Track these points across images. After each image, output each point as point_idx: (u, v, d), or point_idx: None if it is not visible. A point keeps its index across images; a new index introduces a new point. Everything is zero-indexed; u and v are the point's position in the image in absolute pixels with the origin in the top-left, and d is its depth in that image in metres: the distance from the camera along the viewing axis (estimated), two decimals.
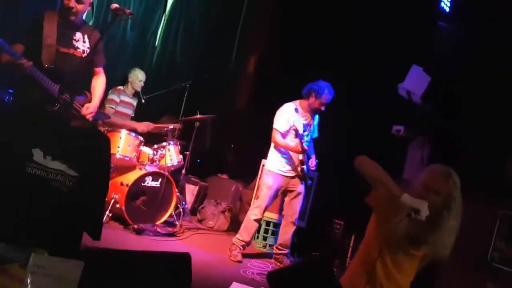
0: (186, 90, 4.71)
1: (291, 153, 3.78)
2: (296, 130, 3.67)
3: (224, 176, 5.63)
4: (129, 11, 2.66)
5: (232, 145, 6.27)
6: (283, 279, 2.82)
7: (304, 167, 3.76)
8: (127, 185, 3.80)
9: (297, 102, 3.88)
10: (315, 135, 4.03)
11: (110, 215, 3.79)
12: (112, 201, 3.76)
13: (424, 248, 2.03)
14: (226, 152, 6.21)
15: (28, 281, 1.59)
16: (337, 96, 3.86)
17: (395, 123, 4.17)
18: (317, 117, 3.99)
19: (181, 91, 4.72)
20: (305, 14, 5.57)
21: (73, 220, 1.90)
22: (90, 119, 2.94)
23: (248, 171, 5.20)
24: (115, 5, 2.65)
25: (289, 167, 3.80)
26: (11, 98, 3.02)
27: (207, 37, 6.03)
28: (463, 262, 2.96)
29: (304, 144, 3.69)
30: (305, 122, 3.83)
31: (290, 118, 3.74)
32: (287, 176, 3.81)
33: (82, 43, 2.95)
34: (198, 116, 4.59)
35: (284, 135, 3.74)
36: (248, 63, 6.30)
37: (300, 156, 3.77)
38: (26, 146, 1.86)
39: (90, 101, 3.01)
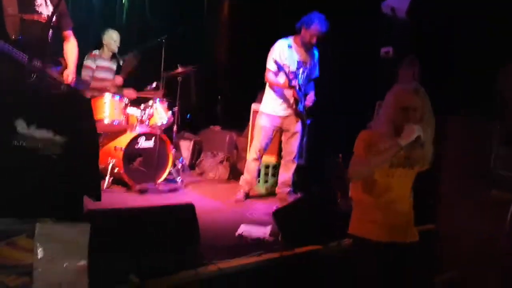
0: (163, 45, 4.56)
1: (284, 91, 3.71)
2: (283, 66, 3.56)
3: (217, 128, 5.61)
4: None
5: (219, 96, 6.20)
6: (288, 215, 2.90)
7: (300, 105, 3.72)
8: (121, 148, 3.78)
9: (292, 38, 3.73)
10: (315, 74, 3.91)
11: (111, 179, 3.80)
12: (110, 165, 3.75)
13: (414, 164, 2.06)
14: (215, 103, 6.15)
15: (38, 250, 1.61)
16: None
17: (383, 45, 4.09)
18: (316, 54, 3.86)
19: (157, 47, 4.57)
20: None
21: (70, 185, 1.89)
22: (72, 84, 2.87)
23: (239, 119, 5.18)
24: None
25: (283, 106, 3.76)
26: None
27: None
28: (466, 174, 3.04)
29: (294, 81, 3.61)
30: (299, 58, 3.71)
31: (282, 56, 3.63)
32: (281, 116, 3.79)
33: (45, 7, 2.80)
34: (180, 70, 4.47)
35: (276, 73, 3.65)
36: (222, 9, 6.07)
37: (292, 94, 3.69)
38: (7, 120, 1.81)
39: (66, 68, 2.92)
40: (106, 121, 3.81)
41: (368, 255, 2.02)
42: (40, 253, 1.61)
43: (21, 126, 1.80)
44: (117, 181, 3.89)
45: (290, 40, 3.71)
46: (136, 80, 4.70)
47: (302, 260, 2.54)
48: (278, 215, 2.92)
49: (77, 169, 1.91)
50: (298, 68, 3.70)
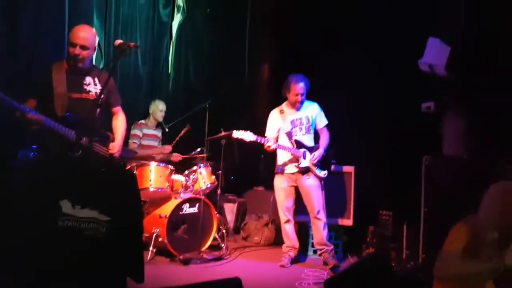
0: (207, 110, 4.69)
1: (284, 152, 3.88)
2: (260, 138, 3.75)
3: (260, 188, 5.53)
4: (133, 44, 2.65)
5: (262, 156, 6.17)
6: (342, 285, 2.68)
7: (301, 161, 3.79)
8: (165, 216, 3.77)
9: (284, 104, 4.01)
10: (323, 123, 4.02)
11: (155, 250, 3.75)
12: (154, 235, 3.73)
13: None
14: (258, 164, 6.11)
15: None
16: (359, 86, 3.74)
17: (423, 100, 3.99)
18: (315, 106, 4.01)
19: (201, 113, 4.70)
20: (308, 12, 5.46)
21: (114, 266, 1.85)
22: (117, 155, 2.94)
23: None
24: (118, 41, 2.65)
25: (290, 165, 3.86)
26: (36, 154, 3.06)
27: (217, 55, 6.01)
28: None
29: (292, 140, 3.84)
30: (292, 119, 3.92)
31: (275, 123, 3.95)
32: (291, 173, 3.86)
33: (93, 86, 2.96)
34: (223, 133, 4.52)
35: (258, 139, 3.78)
36: (262, 72, 6.25)
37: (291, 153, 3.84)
38: (53, 200, 1.83)
39: (113, 141, 3.01)
40: (152, 189, 3.85)
41: None
42: None
43: (66, 206, 1.82)
44: (161, 251, 3.84)
45: (282, 106, 4.01)
46: (181, 144, 4.80)
47: None
48: (330, 285, 2.71)
49: (121, 249, 1.88)
50: (293, 128, 3.90)
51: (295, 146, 3.83)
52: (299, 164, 3.80)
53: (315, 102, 4.04)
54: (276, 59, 6.06)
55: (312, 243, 4.25)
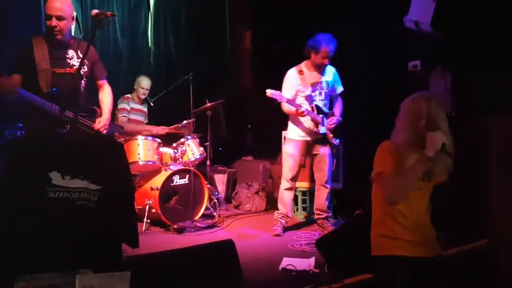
0: (190, 82, 4.66)
1: (299, 117, 3.69)
2: (283, 97, 3.56)
3: (249, 158, 5.58)
4: (110, 13, 2.57)
5: (249, 126, 6.19)
6: (333, 244, 2.76)
7: (321, 128, 3.65)
8: (157, 188, 3.79)
9: (302, 64, 3.76)
10: (339, 90, 3.87)
11: (149, 221, 3.80)
12: (147, 207, 3.77)
13: (432, 177, 1.98)
14: (245, 134, 6.14)
15: None
16: (343, 46, 3.70)
17: (410, 59, 3.98)
18: (333, 71, 3.83)
19: (185, 84, 4.66)
20: None
21: (108, 233, 1.88)
22: (105, 132, 2.92)
23: (271, 147, 5.13)
24: (95, 11, 2.58)
25: (306, 131, 3.72)
26: (23, 132, 3.02)
27: (197, 25, 5.89)
28: None
29: (312, 104, 3.63)
30: (312, 81, 3.70)
31: (294, 83, 3.67)
32: (307, 140, 3.73)
33: (76, 60, 2.89)
34: (208, 104, 4.51)
35: (291, 101, 3.62)
36: (243, 40, 6.16)
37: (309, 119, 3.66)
38: (42, 172, 1.83)
39: (101, 116, 2.99)
40: (141, 163, 3.86)
41: (406, 272, 1.93)
42: None
43: (55, 177, 1.82)
44: (155, 222, 3.88)
45: (301, 66, 3.74)
46: (167, 118, 4.78)
47: None
48: (321, 244, 2.79)
49: (114, 216, 1.90)
50: (313, 91, 3.69)
51: (315, 111, 3.66)
52: (318, 131, 3.65)
53: (333, 67, 3.82)
54: (257, 27, 5.99)
55: (296, 208, 4.35)
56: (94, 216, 1.87)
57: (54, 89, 2.71)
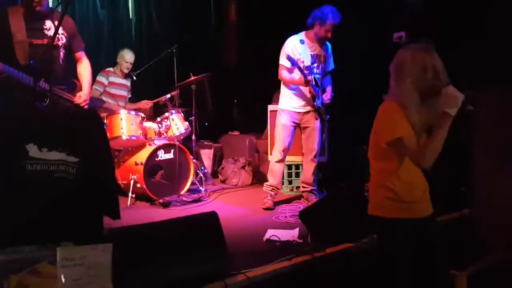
0: (174, 55, 4.57)
1: (301, 88, 3.62)
2: (297, 61, 3.47)
3: (235, 133, 5.57)
4: None
5: (235, 100, 6.15)
6: (316, 215, 2.80)
7: (317, 101, 3.60)
8: (141, 163, 3.77)
9: (303, 33, 3.65)
10: (331, 67, 3.82)
11: (134, 196, 3.79)
12: (132, 182, 3.75)
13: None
14: (231, 109, 6.10)
15: (61, 275, 1.58)
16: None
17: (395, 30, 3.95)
18: (329, 47, 3.76)
19: (169, 58, 4.57)
20: None
21: (88, 206, 1.86)
22: (86, 107, 2.86)
23: (257, 122, 5.11)
24: None
25: (301, 103, 3.66)
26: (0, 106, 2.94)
27: None
28: (502, 151, 2.86)
29: (310, 76, 3.52)
30: (313, 53, 3.62)
31: (295, 51, 3.56)
32: (300, 112, 3.69)
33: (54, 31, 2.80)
34: (192, 78, 4.45)
35: (291, 70, 3.56)
36: (229, 13, 6.03)
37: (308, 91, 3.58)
38: (18, 144, 1.79)
39: (80, 89, 2.92)
40: (124, 137, 3.81)
41: (408, 234, 1.89)
42: (63, 278, 1.58)
43: (32, 149, 1.79)
44: (141, 197, 3.88)
45: (302, 36, 3.63)
46: (151, 92, 4.71)
47: (335, 260, 2.44)
48: (304, 215, 2.83)
49: (93, 189, 1.88)
50: (312, 63, 3.61)
51: (314, 83, 3.55)
52: (315, 103, 3.57)
53: (330, 39, 3.69)
54: None
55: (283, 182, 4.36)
56: (73, 189, 1.85)
57: (32, 61, 2.63)
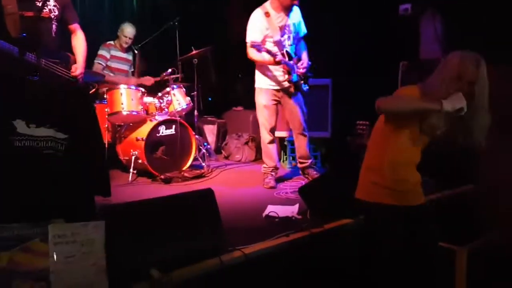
0: (177, 28, 4.45)
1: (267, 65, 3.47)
2: (261, 47, 3.31)
3: (239, 108, 5.50)
4: None
5: (239, 75, 6.04)
6: (315, 191, 2.77)
7: (293, 75, 3.44)
8: (142, 139, 3.75)
9: (267, 3, 3.45)
10: (303, 32, 3.62)
11: (135, 172, 3.79)
12: (133, 158, 3.74)
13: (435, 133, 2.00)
14: (235, 84, 6.01)
15: (53, 253, 1.57)
16: None
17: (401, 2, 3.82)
18: (298, 11, 3.54)
19: (171, 30, 4.45)
20: None
21: (78, 183, 1.84)
22: (81, 80, 2.82)
23: None
24: None
25: (276, 80, 3.52)
26: None
27: None
28: (505, 127, 2.79)
29: (282, 51, 3.37)
30: (280, 24, 3.43)
31: (261, 28, 3.38)
32: (277, 89, 3.55)
33: (46, 2, 2.73)
34: (194, 52, 4.36)
35: (260, 48, 3.34)
36: None
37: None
38: (5, 120, 1.76)
39: (75, 62, 2.88)
40: (124, 113, 3.79)
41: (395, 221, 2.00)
42: (55, 256, 1.58)
43: (20, 125, 1.76)
44: (142, 172, 3.87)
45: (266, 7, 3.43)
46: (153, 66, 4.64)
47: (332, 236, 2.42)
48: (304, 191, 2.81)
49: (83, 166, 1.86)
50: (282, 35, 3.42)
51: (286, 58, 3.38)
52: (291, 79, 3.41)
53: (296, 5, 3.47)
54: None
55: (285, 158, 4.32)
56: (62, 166, 1.83)
57: (23, 34, 2.58)
